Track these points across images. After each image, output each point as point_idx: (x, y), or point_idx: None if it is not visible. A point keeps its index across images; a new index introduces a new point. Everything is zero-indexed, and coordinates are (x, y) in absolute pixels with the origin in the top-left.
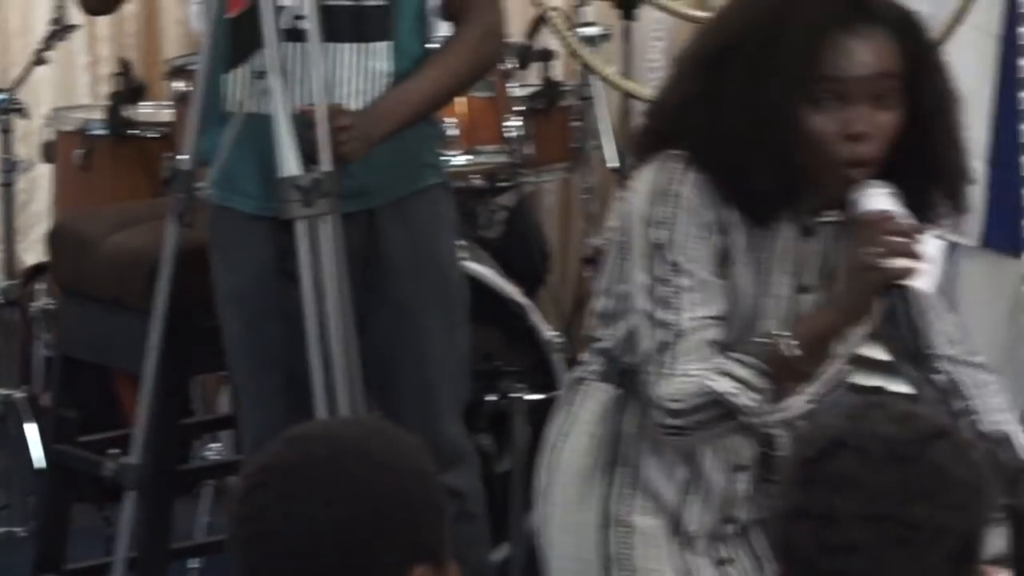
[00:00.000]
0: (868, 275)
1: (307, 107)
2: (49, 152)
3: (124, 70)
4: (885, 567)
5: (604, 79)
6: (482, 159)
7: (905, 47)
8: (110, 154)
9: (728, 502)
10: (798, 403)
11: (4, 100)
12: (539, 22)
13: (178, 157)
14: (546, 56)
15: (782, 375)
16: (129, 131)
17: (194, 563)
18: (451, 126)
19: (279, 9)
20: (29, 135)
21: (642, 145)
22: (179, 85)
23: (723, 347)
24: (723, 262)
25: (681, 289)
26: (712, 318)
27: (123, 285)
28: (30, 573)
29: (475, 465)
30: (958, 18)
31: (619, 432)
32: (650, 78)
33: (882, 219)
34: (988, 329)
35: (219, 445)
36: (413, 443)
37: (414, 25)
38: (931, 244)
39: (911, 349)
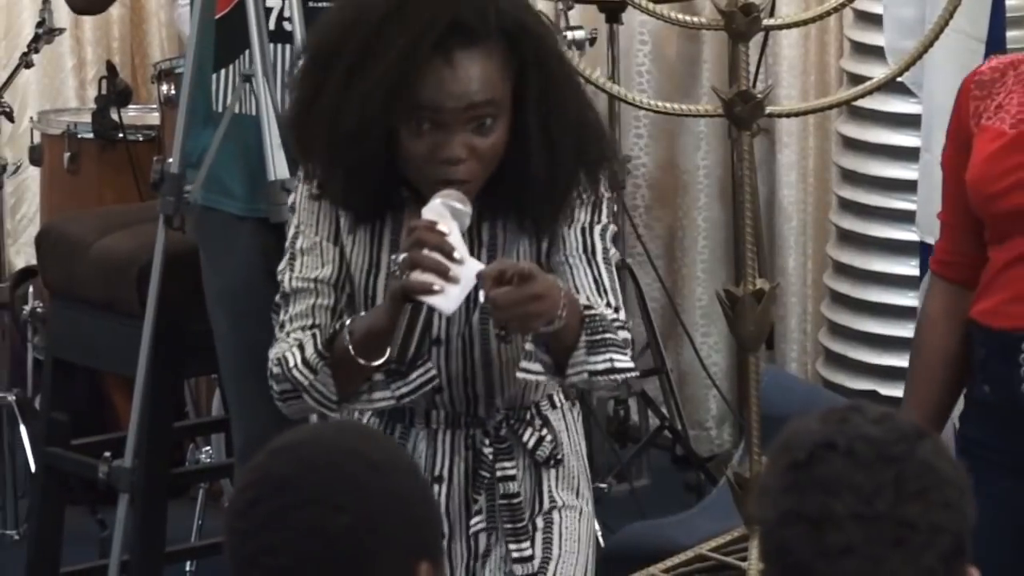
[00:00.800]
0: (392, 282)
1: None
2: (36, 155)
3: (111, 73)
4: (882, 569)
5: (590, 83)
6: None
7: (514, 60)
8: (97, 157)
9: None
10: (383, 396)
11: None
12: None
13: (166, 160)
14: None
15: (342, 363)
16: (116, 134)
17: (188, 566)
18: None
19: (266, 11)
20: (16, 138)
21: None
22: (166, 88)
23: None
24: (336, 234)
25: (296, 252)
26: (321, 281)
27: (113, 288)
28: None
29: None
30: (944, 22)
31: None
32: (636, 81)
33: (416, 228)
34: None
35: (212, 448)
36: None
37: None
38: (470, 267)
39: (394, 360)
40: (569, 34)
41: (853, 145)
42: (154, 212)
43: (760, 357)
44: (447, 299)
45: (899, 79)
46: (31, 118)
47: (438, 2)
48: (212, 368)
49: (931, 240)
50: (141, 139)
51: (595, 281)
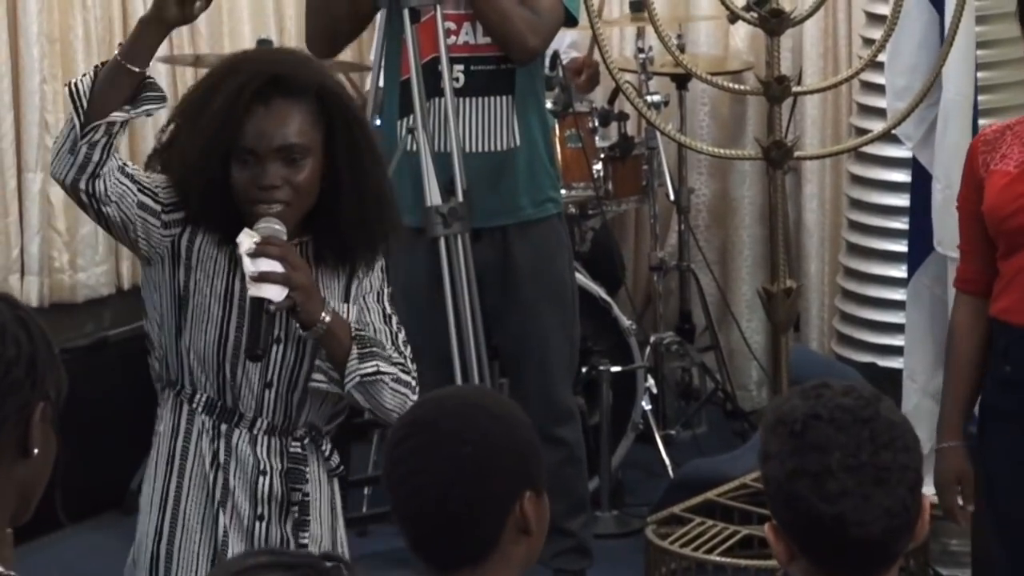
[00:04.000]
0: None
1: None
2: None
3: None
4: (870, 503)
5: (664, 134)
6: (575, 193)
7: (323, 114)
8: None
9: (256, 501)
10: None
11: None
12: (617, 92)
13: None
14: (622, 117)
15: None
16: None
17: (366, 491)
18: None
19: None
20: None
21: None
22: None
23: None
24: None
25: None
26: (143, 180)
27: None
28: None
29: (579, 421)
30: (926, 90)
31: None
32: (699, 133)
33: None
34: None
35: None
36: (512, 401)
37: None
38: (264, 264)
39: (246, 346)
40: (649, 98)
41: (859, 181)
42: None
43: (789, 337)
44: (267, 289)
45: (892, 132)
46: None
47: (265, 61)
48: None
49: (951, 253)
50: None
51: (394, 342)
